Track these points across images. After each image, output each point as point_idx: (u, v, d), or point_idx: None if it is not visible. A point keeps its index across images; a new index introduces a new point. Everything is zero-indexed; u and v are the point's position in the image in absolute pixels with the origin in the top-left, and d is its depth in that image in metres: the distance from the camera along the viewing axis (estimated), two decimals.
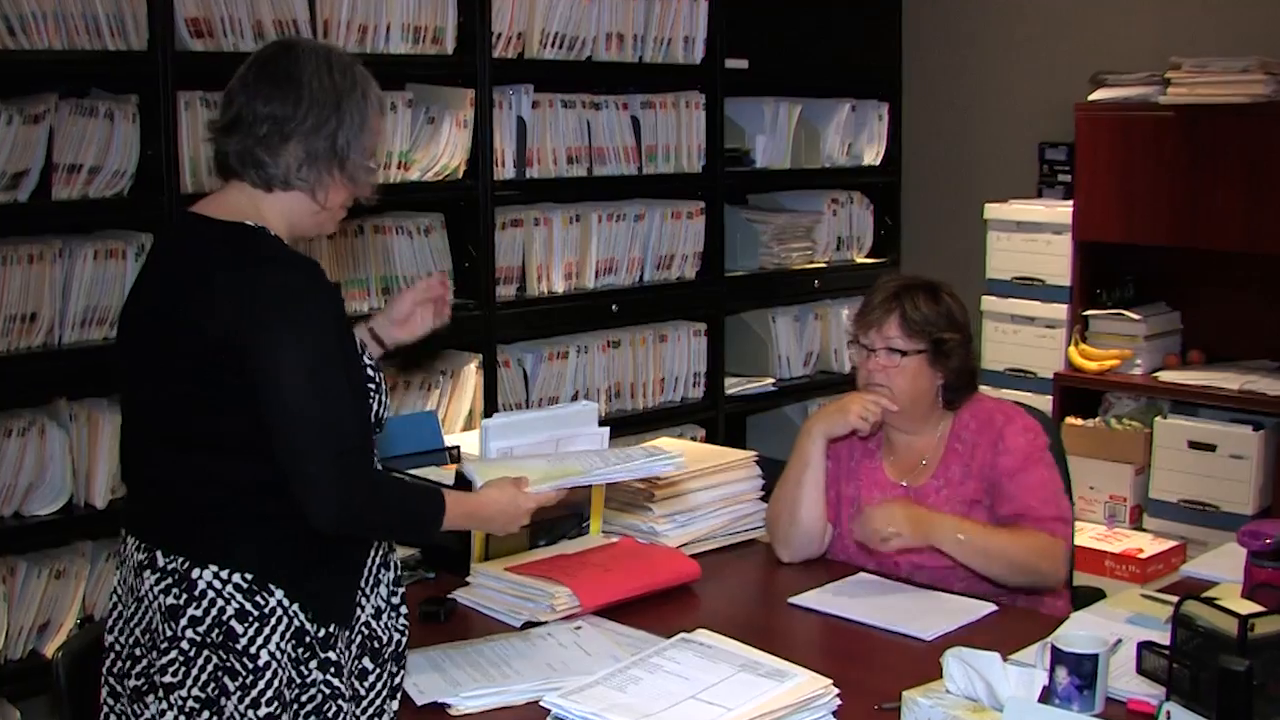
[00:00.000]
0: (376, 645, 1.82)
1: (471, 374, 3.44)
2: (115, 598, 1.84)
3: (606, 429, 2.46)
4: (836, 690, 1.81)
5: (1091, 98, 3.86)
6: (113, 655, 1.82)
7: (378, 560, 1.84)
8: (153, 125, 2.86)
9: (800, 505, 2.39)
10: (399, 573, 1.88)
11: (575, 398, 3.63)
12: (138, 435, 1.82)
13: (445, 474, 2.43)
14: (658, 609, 2.19)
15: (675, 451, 2.18)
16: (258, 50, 1.84)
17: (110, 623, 1.83)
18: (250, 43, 2.99)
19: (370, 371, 1.83)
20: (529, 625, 2.12)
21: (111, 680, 1.81)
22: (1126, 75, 3.82)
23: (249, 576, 1.71)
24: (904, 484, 2.41)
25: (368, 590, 1.81)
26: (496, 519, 1.95)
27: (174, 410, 1.74)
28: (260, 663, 1.70)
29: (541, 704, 1.81)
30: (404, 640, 1.86)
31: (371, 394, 1.82)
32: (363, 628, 1.80)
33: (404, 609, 1.86)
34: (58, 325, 2.82)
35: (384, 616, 1.83)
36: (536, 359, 3.61)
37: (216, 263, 1.73)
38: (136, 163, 2.88)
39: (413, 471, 2.43)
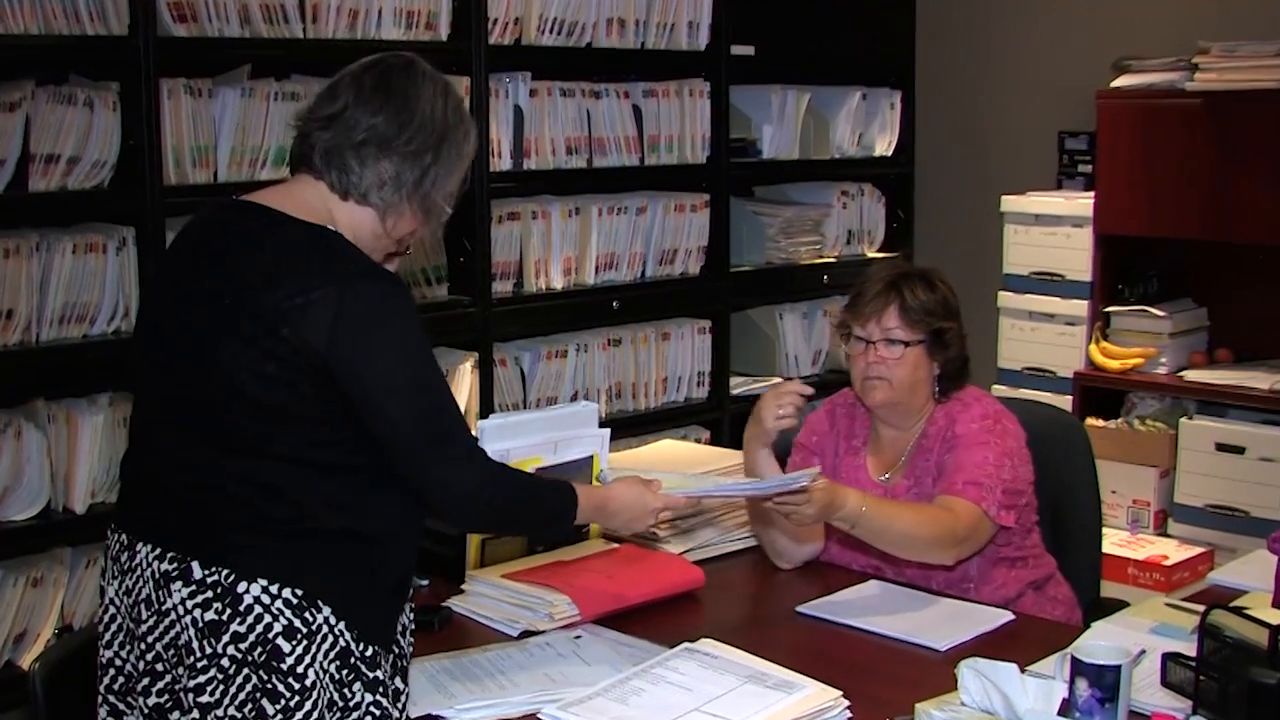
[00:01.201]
0: (404, 664, 1.82)
1: (467, 373, 3.44)
2: (112, 609, 1.79)
3: (607, 430, 2.46)
4: (847, 703, 1.81)
5: (1114, 84, 3.86)
6: (112, 672, 1.79)
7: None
8: (134, 114, 2.86)
9: (768, 516, 2.40)
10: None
11: (575, 398, 3.63)
12: (169, 435, 1.76)
13: None
14: (660, 618, 2.19)
15: (806, 470, 2.17)
16: (376, 56, 1.84)
17: (109, 637, 1.80)
18: (236, 28, 2.99)
19: None
20: (526, 634, 2.12)
21: (113, 699, 1.79)
22: (1151, 61, 3.81)
23: (299, 592, 1.69)
24: (883, 480, 2.41)
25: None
26: (622, 514, 2.03)
27: (236, 416, 1.70)
28: (307, 683, 1.68)
29: (540, 716, 1.82)
30: (410, 651, 1.86)
31: None
32: (393, 645, 1.80)
33: (412, 625, 1.87)
34: (35, 322, 2.82)
35: (407, 634, 1.84)
36: (534, 358, 3.61)
37: (308, 270, 1.71)
38: (117, 153, 2.88)
39: None
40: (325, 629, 1.71)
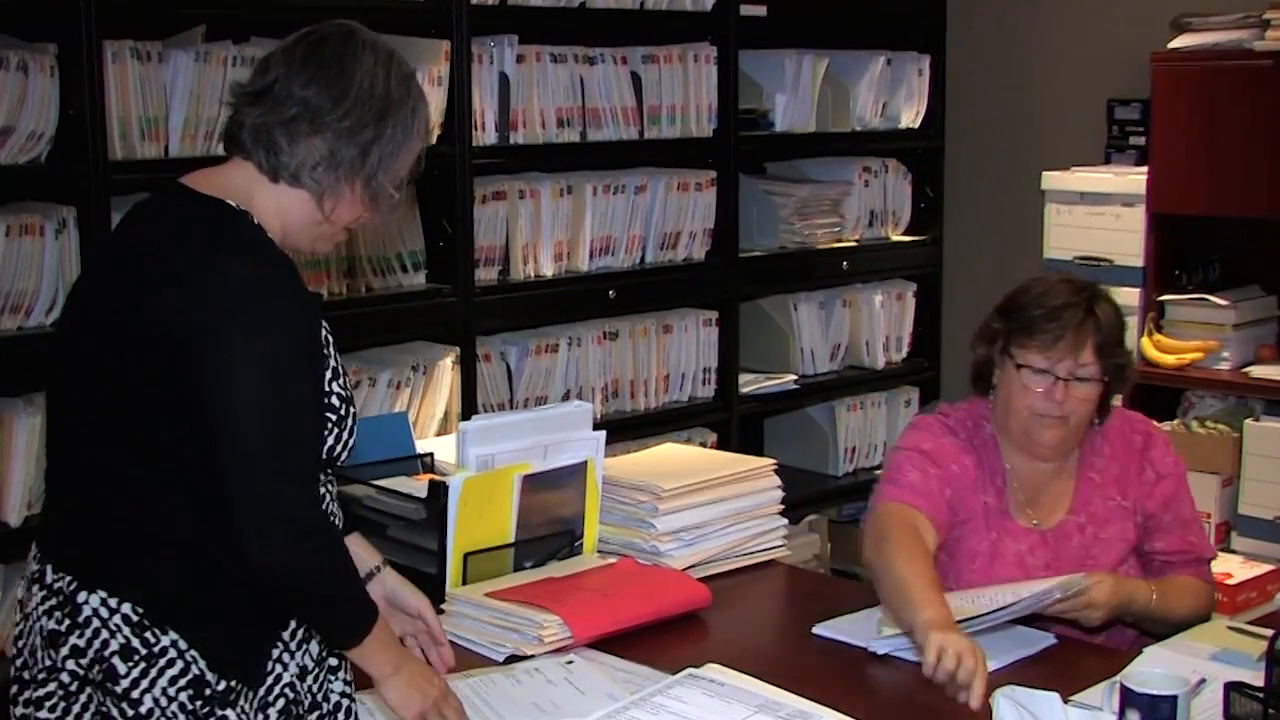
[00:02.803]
0: (300, 711, 1.81)
1: (447, 369, 3.44)
2: (19, 615, 1.85)
3: (603, 433, 2.46)
4: None
5: (1171, 45, 3.85)
6: (18, 685, 1.82)
7: None
8: (75, 80, 2.86)
9: None
10: None
11: (567, 397, 3.63)
12: (65, 434, 1.82)
13: (417, 484, 2.43)
14: (661, 640, 2.20)
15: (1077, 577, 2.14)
16: (313, 25, 1.85)
17: (15, 648, 1.84)
18: None
19: (336, 401, 1.82)
20: (513, 659, 2.13)
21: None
22: (1214, 18, 3.80)
23: (140, 610, 1.71)
24: (1035, 524, 2.36)
25: (292, 646, 1.81)
26: (407, 670, 1.83)
27: (112, 408, 1.74)
28: (142, 710, 1.70)
29: None
30: (346, 702, 1.86)
31: (330, 426, 1.81)
32: (286, 690, 1.80)
33: (345, 668, 1.86)
34: None
35: (310, 677, 1.83)
36: (522, 352, 3.61)
37: (184, 247, 1.73)
38: (56, 124, 2.87)
39: (380, 482, 2.44)
40: (172, 653, 1.72)
